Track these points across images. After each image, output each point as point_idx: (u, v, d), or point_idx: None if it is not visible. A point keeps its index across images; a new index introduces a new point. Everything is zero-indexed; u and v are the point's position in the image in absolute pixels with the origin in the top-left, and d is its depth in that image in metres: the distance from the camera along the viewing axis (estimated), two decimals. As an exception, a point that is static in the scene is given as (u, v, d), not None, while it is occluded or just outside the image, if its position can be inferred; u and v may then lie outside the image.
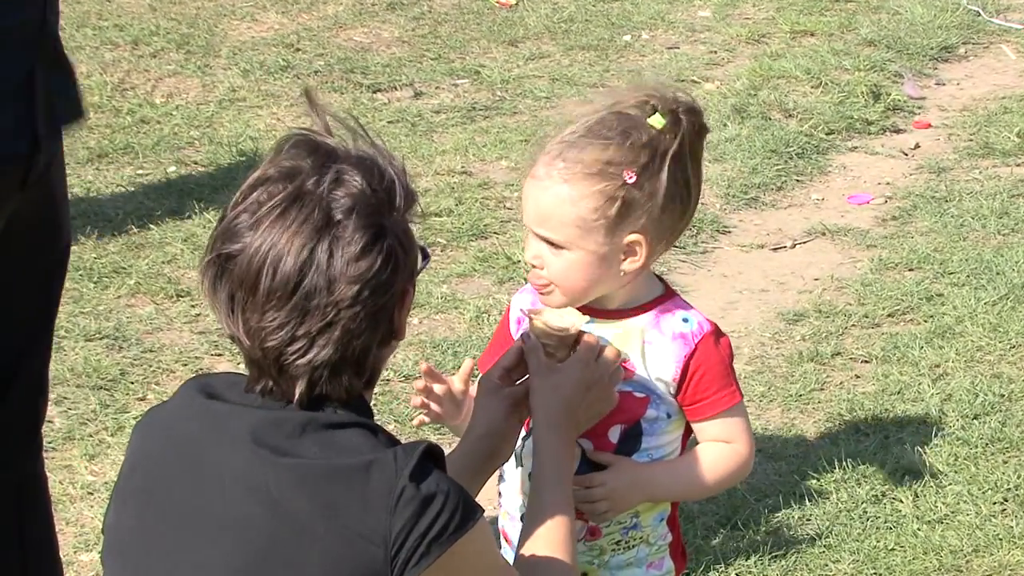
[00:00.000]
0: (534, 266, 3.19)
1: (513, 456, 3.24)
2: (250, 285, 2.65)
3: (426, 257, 2.83)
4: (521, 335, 3.19)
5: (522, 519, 3.17)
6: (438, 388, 3.21)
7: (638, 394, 3.24)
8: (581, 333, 3.13)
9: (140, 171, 7.08)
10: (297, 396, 2.70)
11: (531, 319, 3.15)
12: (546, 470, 3.07)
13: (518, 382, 3.16)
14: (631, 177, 3.13)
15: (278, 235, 2.65)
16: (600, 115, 3.20)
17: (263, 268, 2.64)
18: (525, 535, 3.04)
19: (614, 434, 3.24)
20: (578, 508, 3.16)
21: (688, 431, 3.31)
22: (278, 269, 2.64)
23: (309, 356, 2.66)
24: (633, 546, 3.34)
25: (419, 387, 3.21)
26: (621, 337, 3.23)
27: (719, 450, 3.30)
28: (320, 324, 2.65)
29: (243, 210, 2.68)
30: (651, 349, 3.25)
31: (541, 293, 3.22)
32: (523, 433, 3.20)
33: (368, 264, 2.66)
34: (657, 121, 3.15)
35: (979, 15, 9.07)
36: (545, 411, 3.08)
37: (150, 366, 5.66)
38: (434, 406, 3.21)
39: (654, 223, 3.15)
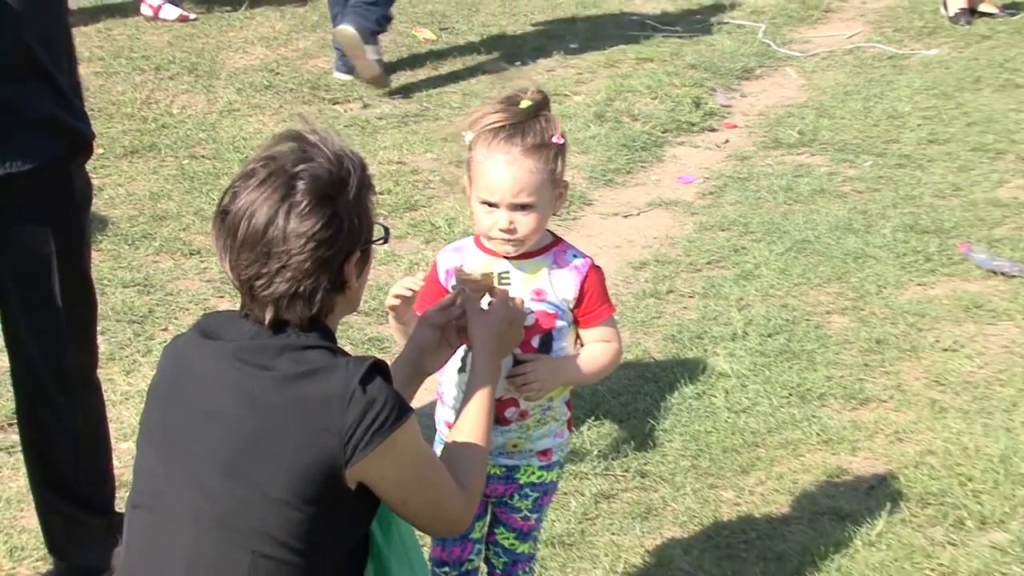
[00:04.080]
0: (505, 232, 3.24)
1: (460, 362, 3.30)
2: (233, 233, 2.71)
3: (387, 232, 2.88)
4: (456, 285, 3.22)
5: (457, 407, 3.27)
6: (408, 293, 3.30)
7: (550, 311, 3.32)
8: (492, 281, 3.21)
9: (162, 163, 7.02)
10: (267, 319, 2.73)
11: (460, 274, 3.21)
12: (479, 380, 3.09)
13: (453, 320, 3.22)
14: (560, 139, 3.25)
15: (255, 199, 2.70)
16: (507, 111, 3.27)
17: (242, 221, 2.70)
18: (456, 426, 3.06)
19: (535, 340, 3.31)
20: (518, 393, 3.29)
21: (577, 336, 3.39)
22: (251, 223, 2.69)
23: (271, 289, 2.70)
24: (547, 423, 3.42)
25: (399, 294, 3.30)
26: (533, 268, 3.32)
27: (603, 347, 3.39)
28: (278, 266, 2.69)
29: (240, 179, 2.74)
30: (556, 278, 3.33)
31: (511, 250, 3.29)
32: (463, 350, 3.25)
33: (311, 224, 2.69)
34: (526, 105, 3.25)
35: (770, 46, 9.10)
36: (482, 339, 3.12)
37: (170, 306, 5.62)
38: (403, 301, 3.31)
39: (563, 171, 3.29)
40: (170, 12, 9.23)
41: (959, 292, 5.69)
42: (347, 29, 7.83)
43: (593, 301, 3.35)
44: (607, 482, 4.49)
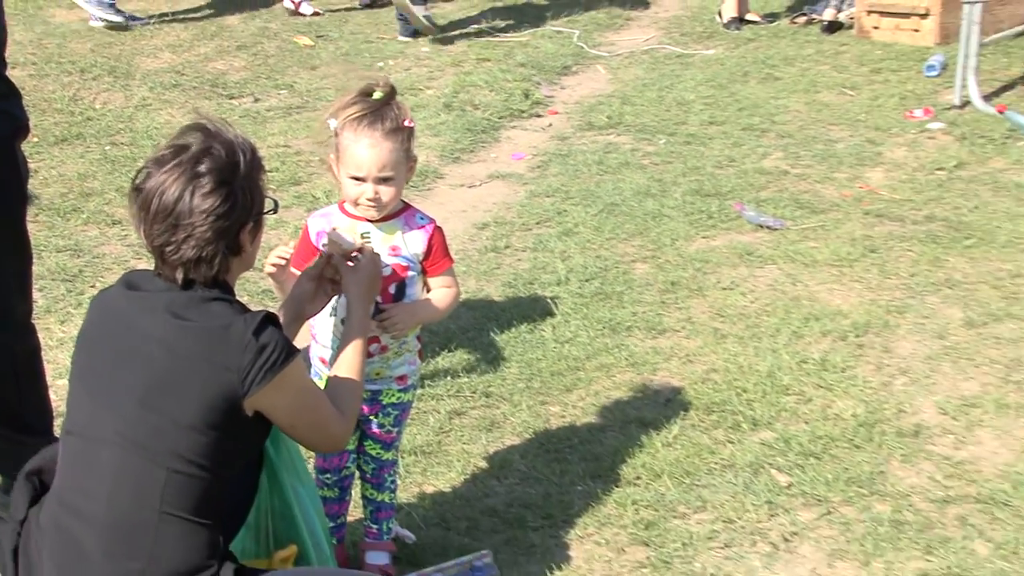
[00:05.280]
0: (372, 200, 3.25)
1: (329, 308, 3.28)
2: (147, 207, 2.67)
3: (275, 205, 2.86)
4: (326, 246, 3.20)
5: (331, 347, 3.34)
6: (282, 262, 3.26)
7: (403, 263, 3.33)
8: (359, 244, 3.22)
9: (88, 149, 6.87)
10: (178, 280, 2.69)
11: (331, 237, 3.20)
12: (353, 323, 3.09)
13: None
14: (411, 123, 3.27)
15: (165, 179, 2.66)
16: (365, 102, 3.28)
17: (154, 198, 2.66)
18: (337, 364, 3.05)
19: (392, 288, 3.33)
20: (385, 332, 3.31)
21: (424, 284, 3.43)
22: (162, 200, 2.65)
23: (179, 254, 2.67)
24: (403, 354, 3.44)
25: (275, 263, 3.26)
26: (389, 229, 3.32)
27: (446, 291, 3.44)
28: (184, 235, 2.66)
29: (152, 162, 2.70)
30: (408, 237, 3.34)
31: (375, 215, 3.30)
32: (335, 300, 3.25)
33: (211, 201, 2.66)
34: (379, 95, 3.25)
35: (583, 47, 9.10)
36: (355, 291, 3.13)
37: (97, 267, 5.51)
38: (279, 268, 3.27)
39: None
40: (307, 8, 9.69)
41: (734, 243, 5.76)
42: None
43: (437, 255, 3.40)
44: (458, 402, 4.48)
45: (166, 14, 9.45)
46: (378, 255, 3.23)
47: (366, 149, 3.21)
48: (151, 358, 2.65)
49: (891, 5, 8.81)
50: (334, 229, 3.24)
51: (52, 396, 3.87)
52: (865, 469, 4.02)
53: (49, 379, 3.91)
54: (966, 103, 7.41)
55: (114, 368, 2.68)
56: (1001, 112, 7.22)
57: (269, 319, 2.71)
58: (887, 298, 5.19)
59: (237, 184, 2.70)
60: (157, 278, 2.73)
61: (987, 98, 7.44)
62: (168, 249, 2.67)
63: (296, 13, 9.68)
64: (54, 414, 3.86)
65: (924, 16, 8.70)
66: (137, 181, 2.71)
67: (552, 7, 10.16)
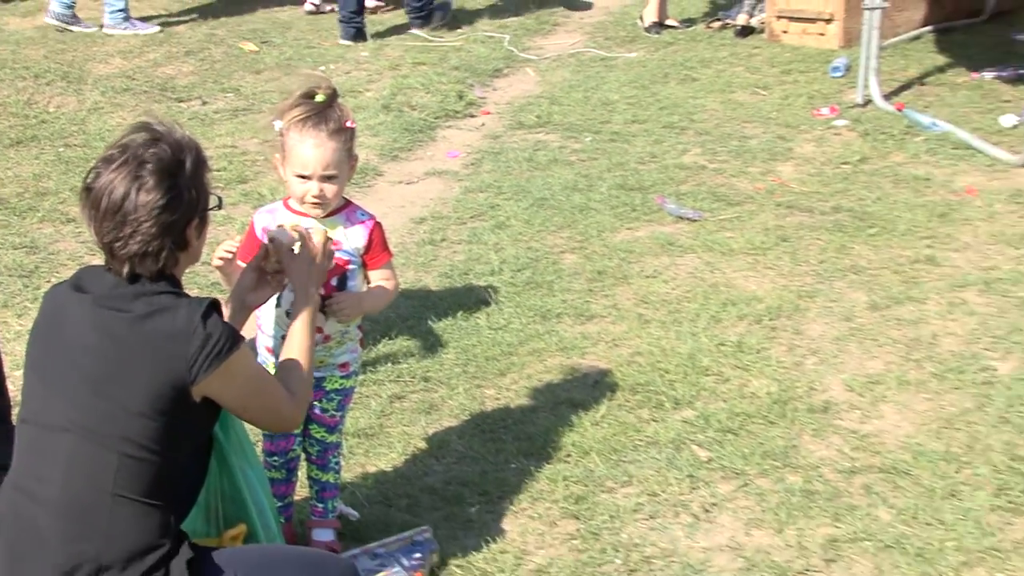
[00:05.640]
0: (317, 198, 3.22)
1: (274, 299, 3.24)
2: (96, 205, 2.62)
3: (220, 201, 2.80)
4: (270, 240, 3.14)
5: (274, 336, 3.26)
6: (228, 255, 3.22)
7: (345, 257, 3.30)
8: (299, 238, 3.14)
9: (42, 151, 6.75)
10: (124, 273, 2.65)
11: (270, 237, 3.14)
12: (300, 310, 3.04)
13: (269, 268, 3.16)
14: (352, 124, 3.24)
15: (113, 178, 2.62)
16: (308, 104, 3.24)
17: (103, 196, 2.61)
18: (285, 350, 3.01)
19: (334, 280, 3.29)
20: (333, 317, 3.29)
21: (365, 276, 3.39)
22: (111, 198, 2.60)
23: (126, 249, 2.62)
24: (345, 343, 3.41)
25: (222, 257, 3.22)
26: (331, 224, 3.29)
27: (386, 283, 3.41)
28: (130, 231, 2.61)
29: (101, 162, 2.65)
30: (350, 231, 3.32)
31: (320, 212, 3.27)
32: (281, 292, 3.21)
33: (156, 198, 2.62)
34: (321, 97, 3.22)
35: (513, 52, 9.08)
36: (299, 281, 3.08)
37: (53, 263, 5.43)
38: (225, 261, 3.23)
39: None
40: (325, 6, 9.90)
41: (657, 234, 5.77)
42: None
43: (377, 249, 3.37)
44: (399, 386, 4.45)
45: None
46: (329, 239, 3.19)
47: (311, 149, 3.18)
48: (100, 348, 2.61)
49: (799, 11, 8.88)
50: (282, 226, 3.19)
51: (10, 387, 3.81)
52: (779, 443, 4.05)
53: (7, 370, 3.84)
54: (868, 102, 7.48)
55: (65, 359, 2.64)
56: (900, 110, 7.30)
57: (214, 307, 2.67)
58: (798, 284, 5.23)
59: (183, 181, 2.66)
60: (107, 273, 2.69)
61: (887, 97, 7.51)
62: (117, 245, 2.62)
63: (317, 12, 9.84)
64: (12, 403, 3.80)
65: (829, 21, 8.77)
66: (87, 180, 2.66)
67: (484, 13, 10.13)
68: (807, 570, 3.47)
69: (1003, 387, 4.36)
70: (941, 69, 8.17)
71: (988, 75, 7.95)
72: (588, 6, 9.78)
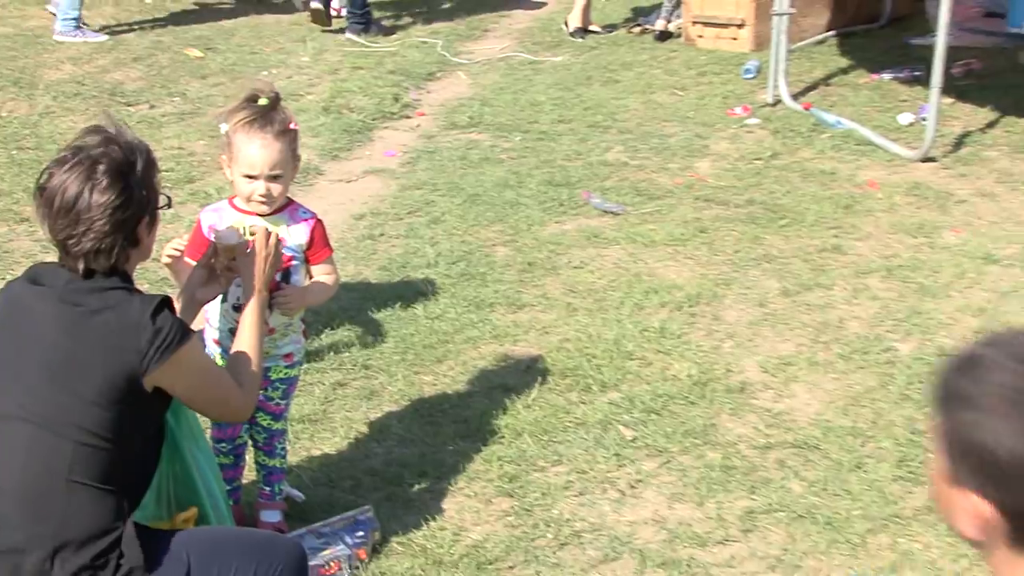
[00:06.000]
0: (264, 196, 3.19)
1: (221, 295, 3.20)
2: (50, 204, 2.57)
3: (169, 200, 2.77)
4: (216, 239, 3.10)
5: (220, 328, 3.22)
6: (176, 253, 3.20)
7: (288, 253, 3.26)
8: (248, 238, 3.12)
9: (-5, 153, 6.65)
10: (80, 269, 2.60)
11: (217, 238, 3.11)
12: (249, 305, 3.03)
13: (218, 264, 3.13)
14: (296, 125, 3.21)
15: (67, 179, 2.57)
16: (253, 107, 3.20)
17: (56, 196, 2.56)
18: (236, 344, 2.99)
19: (279, 275, 3.24)
20: (279, 309, 3.25)
21: (307, 271, 3.36)
22: (64, 197, 2.56)
23: (80, 246, 2.58)
24: (288, 335, 3.37)
25: (170, 254, 3.20)
26: (275, 222, 3.25)
27: (328, 277, 3.38)
28: (83, 229, 2.57)
29: (54, 163, 2.61)
30: (292, 229, 3.28)
31: (266, 209, 3.23)
32: (231, 286, 3.18)
33: (108, 197, 2.58)
34: (264, 101, 3.18)
35: (446, 56, 9.05)
36: (249, 279, 3.06)
37: (7, 260, 5.34)
38: (174, 258, 3.21)
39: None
40: (336, 3, 9.81)
41: (583, 227, 5.79)
42: None
43: (319, 245, 3.34)
44: (341, 374, 4.43)
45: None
46: (278, 239, 3.15)
47: (258, 150, 3.15)
48: (55, 341, 2.57)
49: (713, 17, 8.94)
50: (230, 227, 3.15)
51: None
52: (699, 422, 4.08)
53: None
54: (778, 101, 7.55)
55: (21, 351, 2.59)
56: (807, 109, 7.37)
57: (164, 303, 2.64)
58: (715, 272, 5.26)
59: (133, 181, 2.62)
60: (61, 269, 2.65)
61: (795, 97, 7.59)
62: (71, 242, 2.58)
63: (336, 16, 9.75)
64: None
65: (741, 26, 8.84)
66: (41, 181, 2.62)
67: (418, 20, 10.09)
68: (726, 540, 3.50)
69: (904, 366, 4.43)
70: (844, 71, 8.27)
71: (886, 76, 8.06)
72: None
